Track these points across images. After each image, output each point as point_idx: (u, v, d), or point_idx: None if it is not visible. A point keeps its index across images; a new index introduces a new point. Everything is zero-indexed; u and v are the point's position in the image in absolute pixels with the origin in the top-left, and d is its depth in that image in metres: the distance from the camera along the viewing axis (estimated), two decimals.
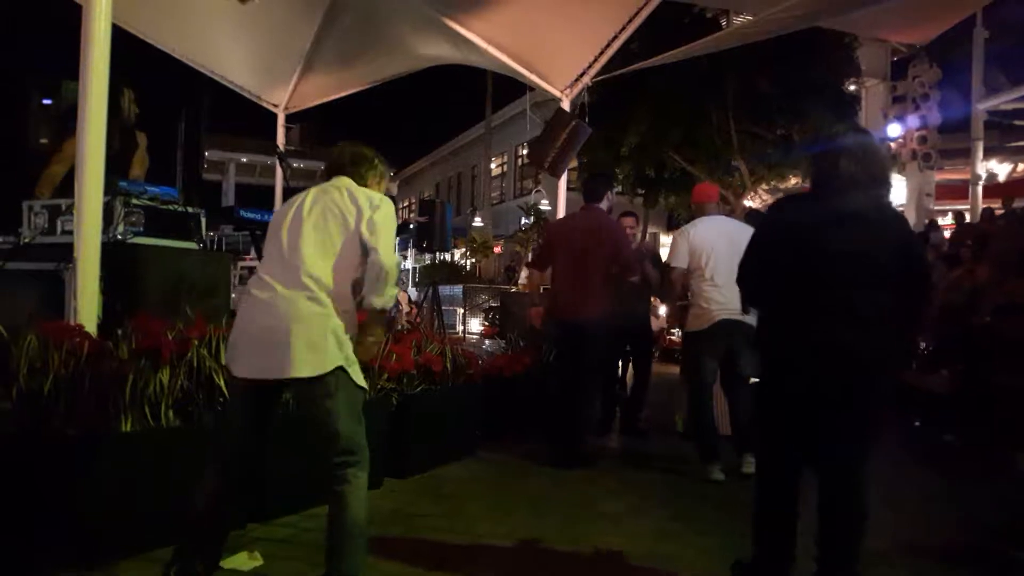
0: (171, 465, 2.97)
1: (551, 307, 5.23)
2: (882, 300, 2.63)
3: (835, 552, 2.65)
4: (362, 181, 2.82)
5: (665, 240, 27.09)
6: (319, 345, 2.50)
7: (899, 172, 17.02)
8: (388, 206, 2.68)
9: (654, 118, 15.35)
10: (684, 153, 16.39)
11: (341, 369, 2.53)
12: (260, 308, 2.58)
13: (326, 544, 2.51)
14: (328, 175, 2.84)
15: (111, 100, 3.58)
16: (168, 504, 2.78)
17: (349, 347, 2.60)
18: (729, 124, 15.32)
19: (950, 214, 16.32)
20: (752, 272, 2.91)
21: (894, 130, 16.27)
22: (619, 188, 18.68)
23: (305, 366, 2.48)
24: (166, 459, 2.99)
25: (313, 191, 2.76)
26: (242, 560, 2.95)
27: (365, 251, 2.58)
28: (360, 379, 2.61)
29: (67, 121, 3.77)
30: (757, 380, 3.06)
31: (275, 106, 8.61)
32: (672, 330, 13.09)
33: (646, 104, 15.17)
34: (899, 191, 18.45)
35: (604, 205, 5.18)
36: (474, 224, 27.51)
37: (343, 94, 8.78)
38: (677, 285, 4.89)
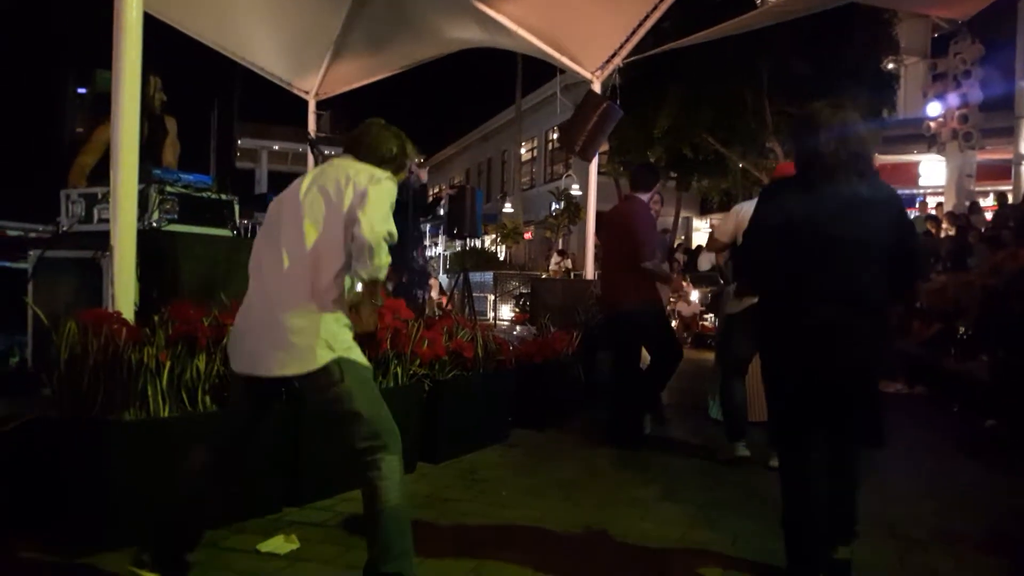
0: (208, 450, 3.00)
1: (598, 296, 5.46)
2: (875, 278, 2.67)
3: (839, 519, 2.79)
4: (386, 166, 2.65)
5: (698, 225, 26.85)
6: (304, 346, 2.38)
7: (939, 152, 16.61)
8: (390, 184, 2.48)
9: (687, 99, 15.13)
10: (718, 135, 16.16)
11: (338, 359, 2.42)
12: (251, 302, 2.53)
13: (366, 533, 2.42)
14: (344, 150, 2.70)
15: None
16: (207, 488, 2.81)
17: (343, 337, 2.45)
18: (764, 105, 15.05)
19: (992, 195, 15.90)
20: (750, 260, 2.96)
21: (934, 109, 15.87)
22: None
23: (290, 366, 2.40)
24: (202, 444, 3.02)
25: (312, 172, 2.64)
26: (278, 543, 2.99)
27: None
28: (363, 360, 2.50)
29: (98, 110, 3.80)
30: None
31: (306, 93, 8.64)
32: (705, 316, 12.99)
33: (679, 85, 14.98)
34: (939, 172, 18.02)
35: (647, 195, 5.25)
36: (504, 210, 27.46)
37: (373, 79, 8.79)
38: (712, 252, 4.99)
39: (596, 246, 7.54)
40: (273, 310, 2.43)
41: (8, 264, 5.18)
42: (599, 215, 6.84)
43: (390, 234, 2.39)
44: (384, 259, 2.41)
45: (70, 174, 4.42)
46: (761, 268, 2.91)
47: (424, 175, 7.31)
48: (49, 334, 3.02)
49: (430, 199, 8.24)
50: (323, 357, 2.38)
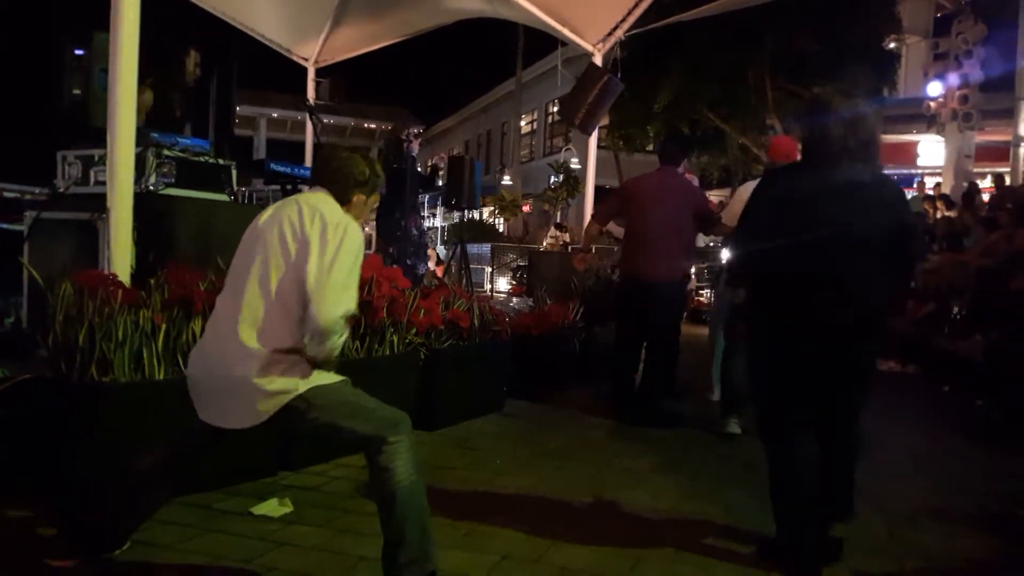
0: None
1: (623, 266, 5.33)
2: (874, 265, 2.67)
3: (835, 498, 2.82)
4: (344, 198, 2.44)
5: None
6: (250, 403, 2.24)
7: (938, 133, 16.55)
8: (351, 238, 2.27)
9: (688, 75, 15.02)
10: (718, 111, 16.06)
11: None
12: (204, 349, 2.39)
13: (380, 519, 2.30)
14: (313, 182, 2.53)
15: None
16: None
17: (297, 379, 2.27)
18: (765, 82, 14.95)
19: (990, 176, 15.88)
20: (745, 245, 2.95)
21: (934, 88, 15.77)
22: (649, 146, 18.43)
23: (245, 419, 2.27)
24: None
25: (271, 208, 2.43)
26: (272, 507, 3.02)
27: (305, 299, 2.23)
28: (328, 377, 2.34)
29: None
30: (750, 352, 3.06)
31: (305, 60, 8.55)
32: (701, 292, 13.02)
33: (680, 60, 14.85)
34: (938, 152, 17.97)
35: (680, 168, 5.20)
36: (503, 183, 27.36)
37: (373, 47, 8.69)
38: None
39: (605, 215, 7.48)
40: (224, 356, 2.28)
41: (5, 226, 5.16)
42: (625, 185, 6.58)
43: (347, 313, 2.25)
44: (338, 341, 2.31)
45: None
46: (758, 252, 2.88)
47: (415, 148, 7.24)
48: (45, 295, 3.02)
49: (424, 171, 8.18)
50: (273, 407, 2.24)
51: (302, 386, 2.27)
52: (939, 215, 11.63)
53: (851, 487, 2.87)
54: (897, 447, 4.58)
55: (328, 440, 2.44)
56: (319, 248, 2.24)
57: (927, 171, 18.72)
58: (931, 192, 13.70)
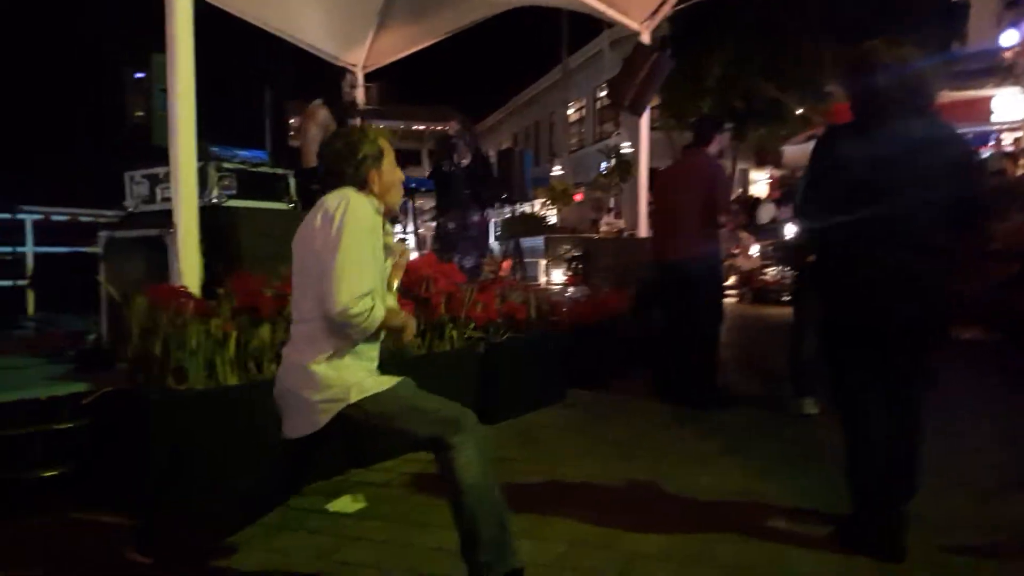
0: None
1: (650, 250, 5.47)
2: (939, 222, 2.59)
3: (905, 468, 2.74)
4: (361, 180, 2.38)
5: (755, 176, 26.17)
6: (304, 414, 2.28)
7: (1016, 85, 15.71)
8: (352, 215, 2.22)
9: (739, 45, 14.67)
10: (773, 81, 15.64)
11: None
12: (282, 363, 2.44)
13: (453, 519, 2.26)
14: (322, 186, 2.47)
15: None
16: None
17: (348, 378, 2.27)
18: (820, 47, 14.49)
19: None
20: (809, 210, 2.89)
21: (1009, 38, 14.93)
22: None
23: (303, 427, 2.30)
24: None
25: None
26: (345, 503, 3.11)
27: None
28: (382, 384, 2.31)
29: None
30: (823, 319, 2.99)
31: (353, 66, 8.70)
32: (765, 270, 12.75)
33: (730, 32, 14.51)
34: (1015, 106, 17.06)
35: (713, 148, 5.16)
36: (553, 172, 27.25)
37: (418, 48, 8.78)
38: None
39: (649, 203, 7.41)
40: (284, 369, 2.36)
41: (83, 249, 5.41)
42: (655, 171, 6.73)
43: (357, 295, 2.18)
44: (368, 321, 2.22)
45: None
46: (818, 217, 2.82)
47: (467, 145, 7.20)
48: (121, 311, 3.17)
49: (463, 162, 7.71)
50: (333, 409, 2.25)
51: (353, 395, 2.25)
52: (1020, 172, 11.09)
53: (917, 461, 2.80)
54: (978, 418, 4.42)
55: (394, 442, 2.41)
56: (322, 241, 2.23)
57: (1004, 127, 17.80)
58: (1010, 148, 13.03)
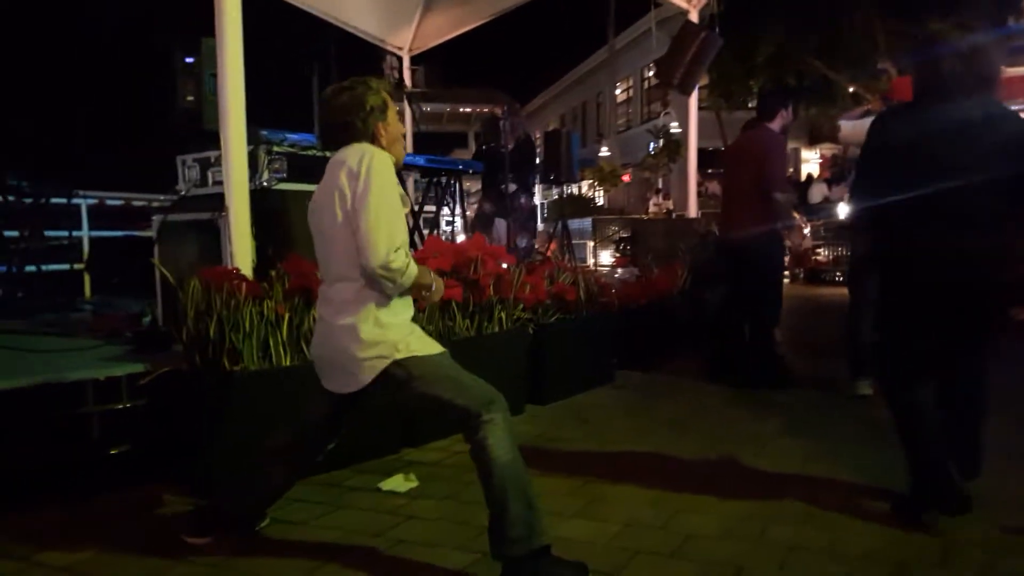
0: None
1: (716, 230, 5.53)
2: (998, 203, 2.54)
3: (967, 447, 2.74)
4: (369, 133, 2.35)
5: (807, 155, 25.56)
6: (351, 370, 2.29)
7: None
8: (377, 170, 2.20)
9: (790, 23, 14.29)
10: (825, 59, 15.21)
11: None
12: (319, 326, 2.45)
13: (484, 496, 2.27)
14: (332, 143, 2.44)
15: None
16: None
17: (394, 334, 2.28)
18: (875, 23, 14.02)
19: None
20: (865, 194, 2.86)
21: None
22: (752, 103, 17.69)
23: (349, 384, 2.32)
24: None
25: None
26: (398, 482, 3.12)
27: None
28: (427, 348, 2.33)
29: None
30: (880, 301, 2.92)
31: (399, 49, 8.69)
32: (818, 250, 12.45)
33: (780, 9, 14.14)
34: None
35: (776, 124, 5.03)
36: (601, 153, 27.02)
37: (464, 30, 8.73)
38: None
39: (698, 183, 7.30)
40: (325, 317, 2.36)
41: (137, 233, 5.55)
42: (704, 151, 6.62)
43: (393, 247, 2.18)
44: (406, 275, 2.24)
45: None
46: (876, 197, 2.77)
47: (513, 125, 7.12)
48: (176, 293, 3.22)
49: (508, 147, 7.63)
50: (379, 365, 2.26)
51: (400, 352, 2.26)
52: None
53: (979, 442, 2.74)
54: None
55: (429, 412, 2.42)
56: (352, 197, 2.20)
57: None
58: None
